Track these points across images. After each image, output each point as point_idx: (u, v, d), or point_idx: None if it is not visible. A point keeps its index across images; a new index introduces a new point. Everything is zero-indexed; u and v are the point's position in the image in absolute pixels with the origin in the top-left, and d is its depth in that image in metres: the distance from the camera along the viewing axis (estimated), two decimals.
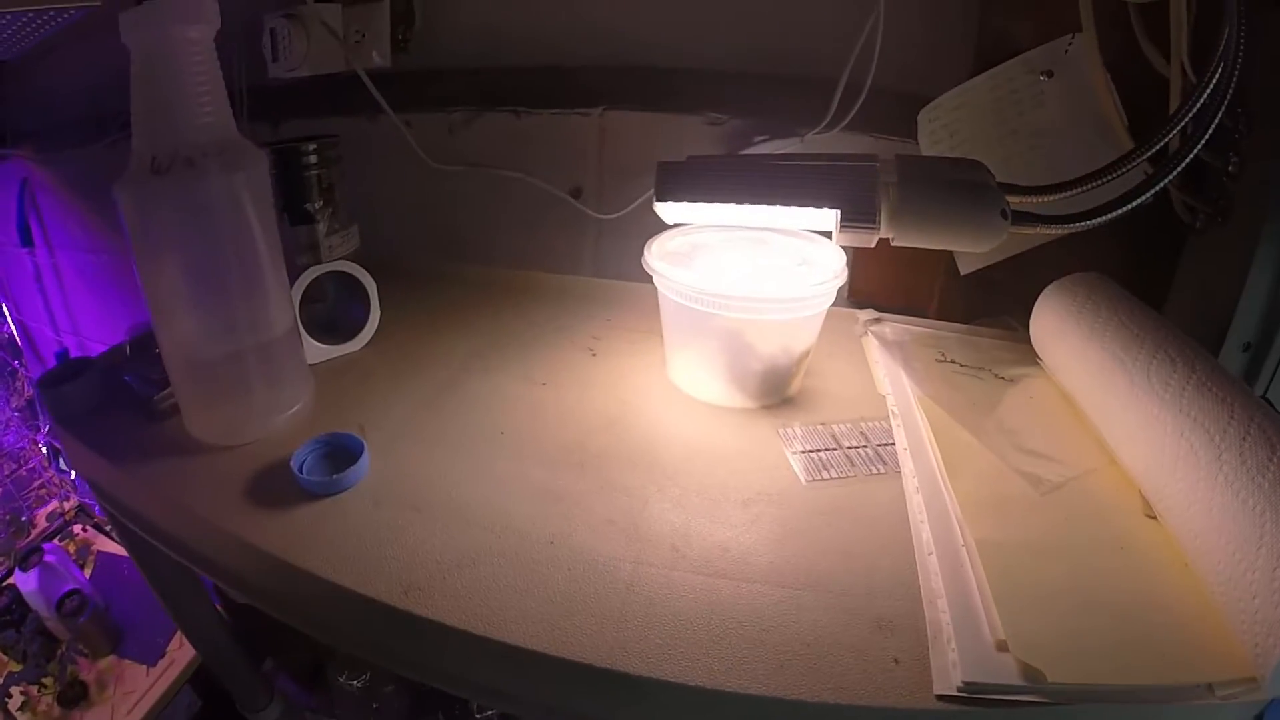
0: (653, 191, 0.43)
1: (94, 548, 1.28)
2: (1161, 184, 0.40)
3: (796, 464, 0.39)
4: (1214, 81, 0.38)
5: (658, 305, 0.45)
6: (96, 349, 1.16)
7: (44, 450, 1.31)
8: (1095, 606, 0.31)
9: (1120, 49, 0.46)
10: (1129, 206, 0.42)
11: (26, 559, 1.10)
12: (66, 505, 1.32)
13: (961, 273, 0.56)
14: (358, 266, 0.49)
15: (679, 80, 0.61)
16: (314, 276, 0.47)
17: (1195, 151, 0.39)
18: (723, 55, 0.60)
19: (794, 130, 0.58)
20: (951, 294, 0.57)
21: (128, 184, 0.35)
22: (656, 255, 0.44)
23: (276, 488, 0.36)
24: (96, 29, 0.79)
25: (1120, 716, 0.29)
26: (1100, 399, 0.40)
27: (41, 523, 1.28)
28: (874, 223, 0.41)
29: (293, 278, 0.43)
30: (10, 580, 1.11)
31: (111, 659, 1.13)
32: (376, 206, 0.61)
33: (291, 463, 0.36)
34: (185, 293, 0.36)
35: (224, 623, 0.61)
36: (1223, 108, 0.38)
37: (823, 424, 0.43)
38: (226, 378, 0.39)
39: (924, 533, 0.35)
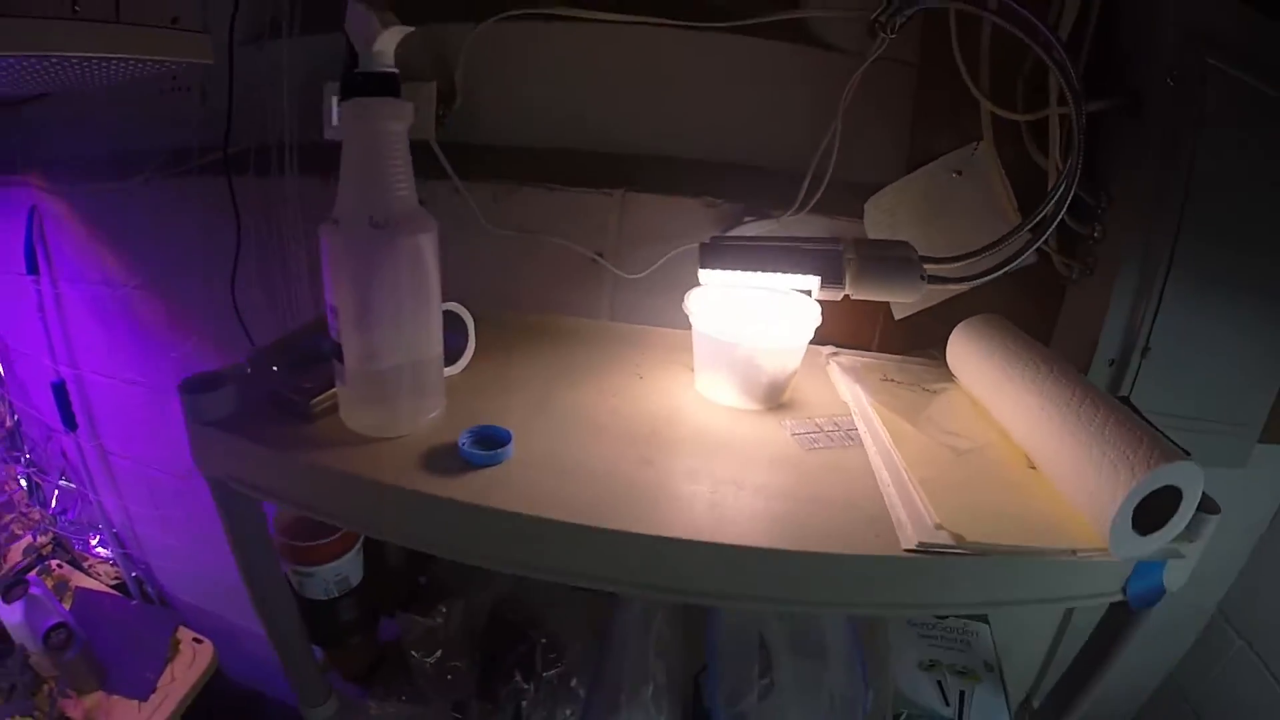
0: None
1: (71, 584, 1.26)
2: (1034, 248, 0.63)
3: (796, 441, 0.57)
4: (1070, 173, 0.60)
5: (673, 343, 0.65)
6: (94, 380, 1.19)
7: (22, 484, 1.29)
8: (998, 510, 0.48)
9: (1012, 153, 0.69)
10: (1008, 267, 0.64)
11: (10, 590, 1.08)
12: (42, 540, 1.30)
13: (896, 318, 0.77)
14: (458, 305, 0.63)
15: (681, 168, 0.80)
16: None
17: (1055, 224, 0.62)
18: (717, 150, 0.80)
19: (770, 213, 0.78)
20: (889, 334, 0.78)
21: (347, 236, 0.47)
22: (693, 303, 0.62)
23: (441, 464, 0.50)
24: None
25: (1017, 567, 0.46)
26: (995, 396, 0.60)
27: (15, 557, 1.26)
28: (841, 285, 0.61)
29: None
30: None
31: (99, 695, 1.13)
32: None
33: (460, 442, 0.50)
34: (375, 317, 0.49)
35: (299, 620, 0.69)
36: (1070, 195, 0.61)
37: (808, 418, 0.61)
38: (393, 383, 0.52)
39: (883, 474, 0.53)
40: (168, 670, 1.16)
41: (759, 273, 0.61)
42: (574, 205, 0.80)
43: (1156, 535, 0.44)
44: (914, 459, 0.54)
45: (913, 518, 0.47)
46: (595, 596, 0.78)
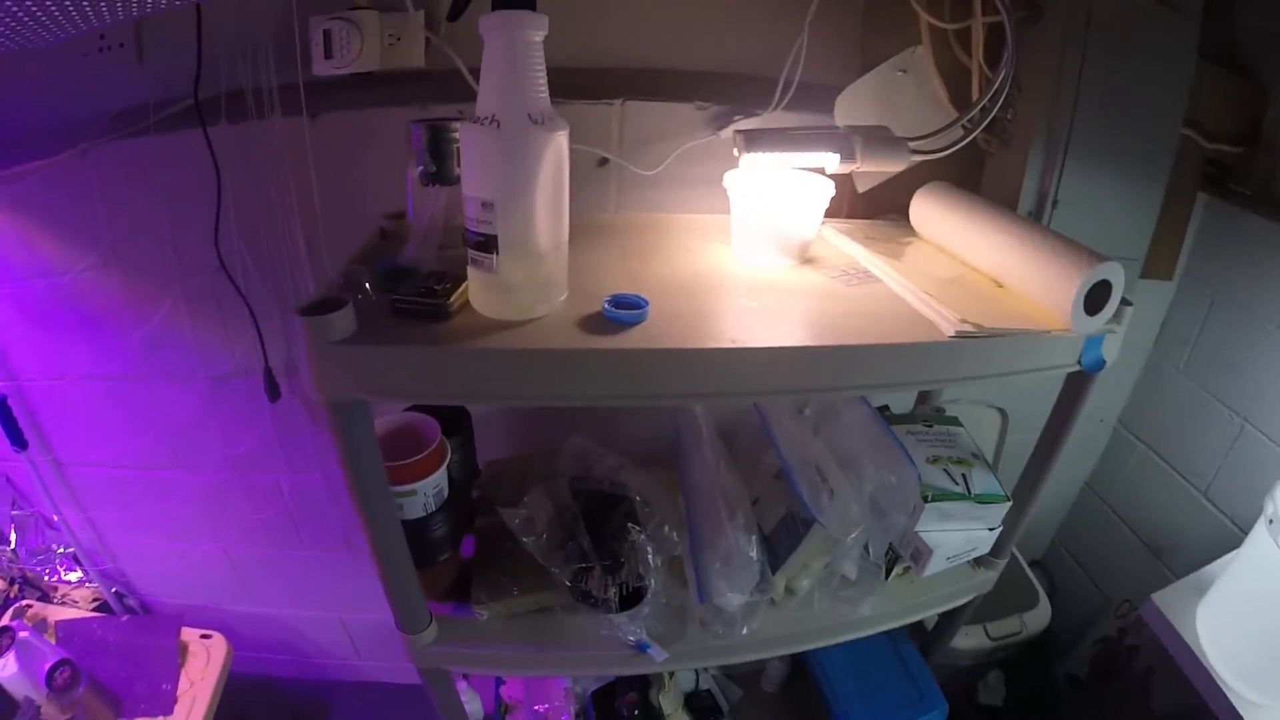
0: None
1: (50, 619, 1.13)
2: (983, 126, 0.81)
3: (836, 281, 0.72)
4: (1002, 76, 0.78)
5: (690, 225, 0.79)
6: (38, 388, 1.06)
7: None
8: (993, 311, 0.64)
9: (944, 55, 0.86)
10: (964, 140, 0.82)
11: None
12: (3, 584, 1.13)
13: (860, 191, 0.94)
14: None
15: (671, 78, 0.90)
16: None
17: (995, 110, 0.80)
18: (702, 61, 0.91)
19: (755, 111, 0.90)
20: (855, 204, 0.95)
21: (511, 132, 0.52)
22: (731, 182, 0.74)
23: (597, 329, 0.57)
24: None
25: (1015, 345, 0.64)
26: (961, 236, 0.77)
27: None
28: (855, 159, 0.76)
29: None
30: None
31: None
32: None
33: (604, 307, 0.58)
34: (533, 202, 0.54)
35: (406, 544, 0.71)
36: (1006, 89, 0.79)
37: (834, 266, 0.76)
38: (543, 264, 0.58)
39: (907, 295, 0.68)
40: (183, 676, 1.09)
41: (792, 152, 0.73)
42: (579, 116, 0.87)
43: (1099, 316, 0.63)
44: (923, 283, 0.70)
45: (942, 318, 0.64)
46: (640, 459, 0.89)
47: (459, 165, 0.63)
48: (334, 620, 1.39)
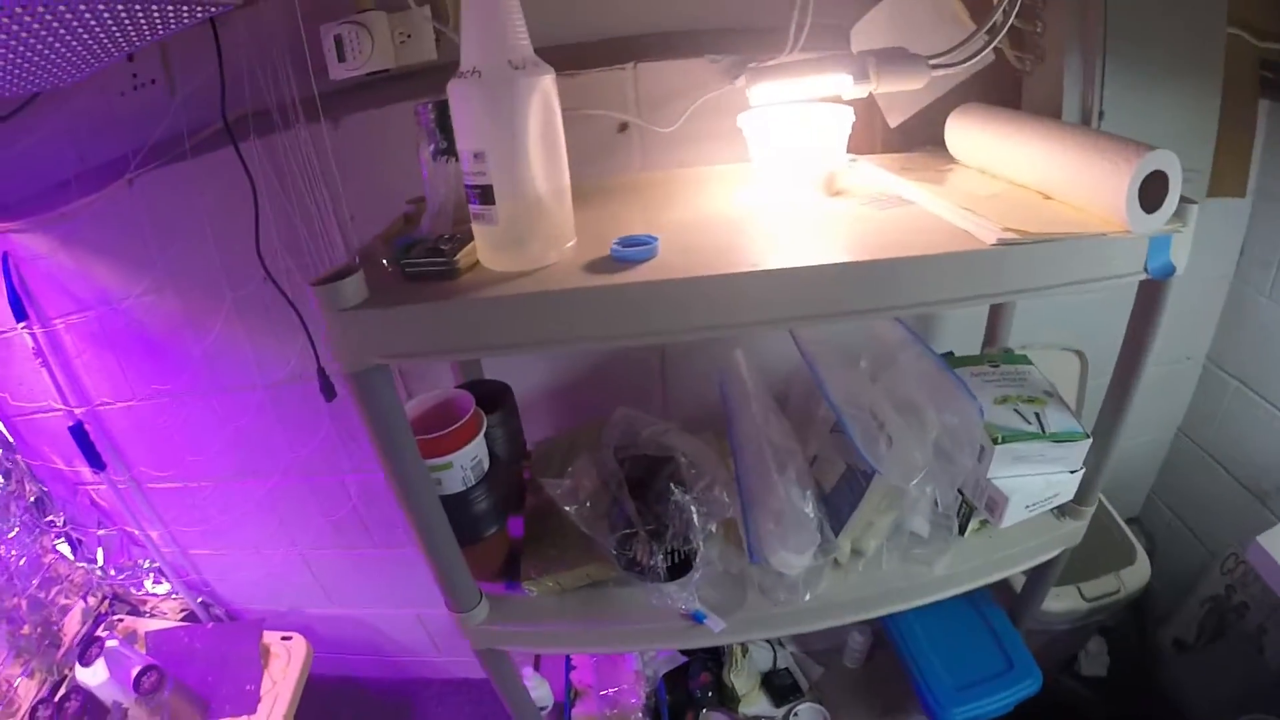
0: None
1: (140, 631, 1.20)
2: (994, 43, 0.75)
3: (867, 207, 0.67)
4: None
5: (715, 175, 0.77)
6: (111, 411, 1.13)
7: (62, 550, 1.20)
8: (1039, 218, 0.59)
9: None
10: (983, 52, 0.76)
11: (86, 652, 1.02)
12: (93, 600, 1.21)
13: (891, 126, 0.89)
14: None
15: (680, 38, 0.88)
16: None
17: (1010, 21, 0.74)
18: (708, 19, 0.88)
19: (769, 58, 0.86)
20: (888, 140, 0.90)
21: (491, 80, 0.51)
22: (746, 121, 0.71)
23: (606, 269, 0.55)
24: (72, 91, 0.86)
25: (1067, 252, 0.58)
26: (1001, 151, 0.71)
27: (74, 624, 1.17)
28: (869, 79, 0.71)
29: None
30: (72, 682, 1.04)
31: None
32: None
33: (611, 249, 0.56)
34: (522, 148, 0.54)
35: (445, 518, 0.71)
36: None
37: (868, 195, 0.71)
38: (541, 211, 0.56)
39: (941, 211, 0.63)
40: (266, 677, 1.13)
41: (802, 78, 0.69)
42: (593, 85, 0.87)
43: (1159, 213, 0.56)
44: (961, 200, 0.64)
45: (980, 228, 0.58)
46: (695, 426, 0.86)
47: None
48: (411, 617, 1.42)
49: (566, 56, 0.85)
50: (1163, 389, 1.21)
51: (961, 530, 0.81)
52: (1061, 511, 0.81)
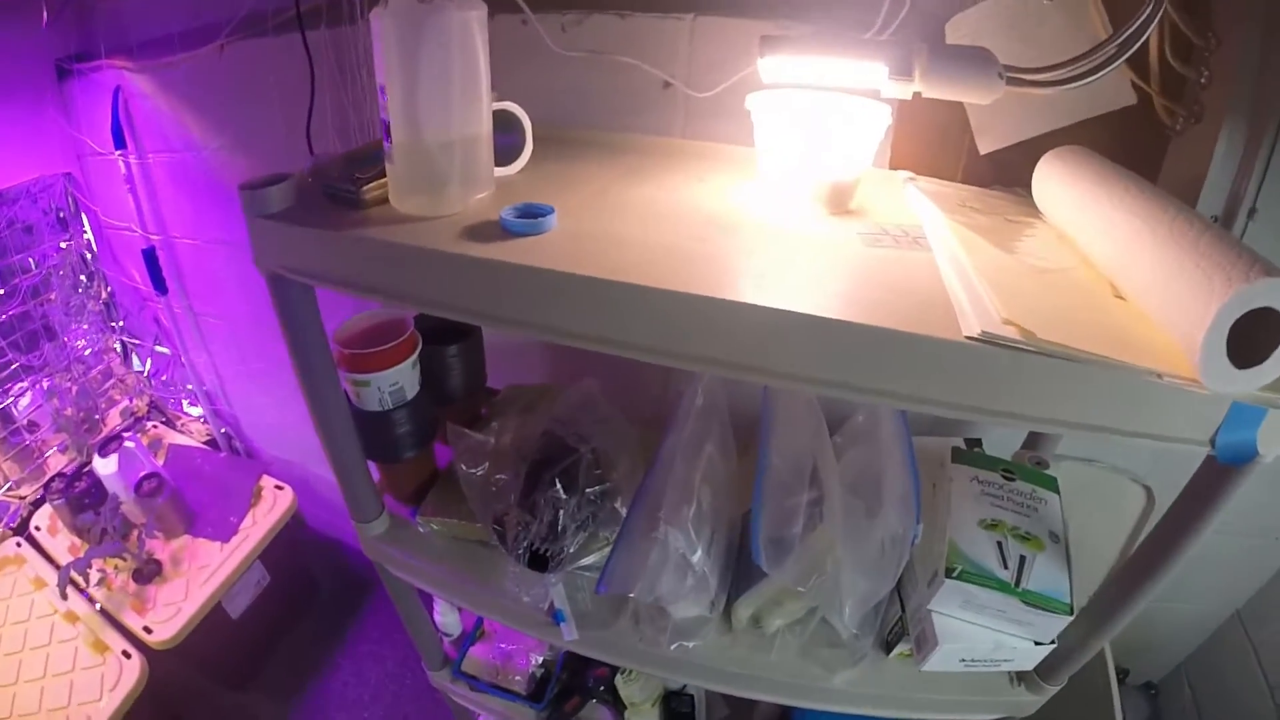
0: (736, 78, 0.62)
1: (166, 441, 1.38)
2: (1118, 63, 0.56)
3: (860, 238, 0.53)
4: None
5: (744, 157, 0.62)
6: (181, 245, 1.27)
7: (118, 350, 1.39)
8: (1076, 318, 0.43)
9: None
10: (1093, 79, 0.57)
11: (106, 446, 1.18)
12: (138, 403, 1.41)
13: (982, 151, 0.71)
14: (514, 104, 0.62)
15: None
16: None
17: (1143, 39, 0.55)
18: None
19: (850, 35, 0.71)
20: (973, 169, 0.72)
21: (395, 11, 0.46)
22: (756, 102, 0.59)
23: (484, 234, 0.50)
24: None
25: (1091, 382, 0.41)
26: (1079, 217, 0.53)
27: (114, 420, 1.37)
28: (910, 77, 0.55)
29: None
30: (89, 466, 1.20)
31: (185, 538, 1.23)
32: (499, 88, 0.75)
33: (500, 214, 0.49)
34: (425, 93, 0.49)
35: (353, 430, 0.72)
36: (1162, 8, 0.53)
37: (875, 224, 0.57)
38: (441, 161, 0.51)
39: (950, 273, 0.48)
40: (250, 514, 1.25)
41: (821, 58, 0.55)
42: (644, 31, 0.77)
43: (1255, 371, 0.37)
44: (986, 265, 0.49)
45: (977, 310, 0.43)
46: (650, 422, 0.78)
47: None
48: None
49: None
50: (1234, 562, 0.95)
51: (888, 648, 0.68)
52: (1019, 677, 0.65)
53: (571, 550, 0.66)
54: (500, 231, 0.50)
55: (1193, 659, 1.09)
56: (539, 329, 0.48)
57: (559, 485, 0.66)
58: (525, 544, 0.66)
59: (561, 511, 0.65)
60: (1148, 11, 0.54)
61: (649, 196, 0.60)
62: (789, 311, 0.42)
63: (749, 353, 0.44)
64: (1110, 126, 0.65)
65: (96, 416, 1.31)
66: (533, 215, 0.50)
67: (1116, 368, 0.40)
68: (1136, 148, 0.67)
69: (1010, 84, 0.56)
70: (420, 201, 0.53)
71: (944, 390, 0.43)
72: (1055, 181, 0.58)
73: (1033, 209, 0.63)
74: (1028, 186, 0.63)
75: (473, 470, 0.70)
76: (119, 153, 1.18)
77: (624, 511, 0.69)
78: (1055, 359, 0.40)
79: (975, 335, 0.41)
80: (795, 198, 0.59)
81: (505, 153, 0.62)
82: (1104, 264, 0.50)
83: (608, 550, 0.67)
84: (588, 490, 0.67)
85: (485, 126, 0.53)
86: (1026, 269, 0.51)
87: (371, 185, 0.56)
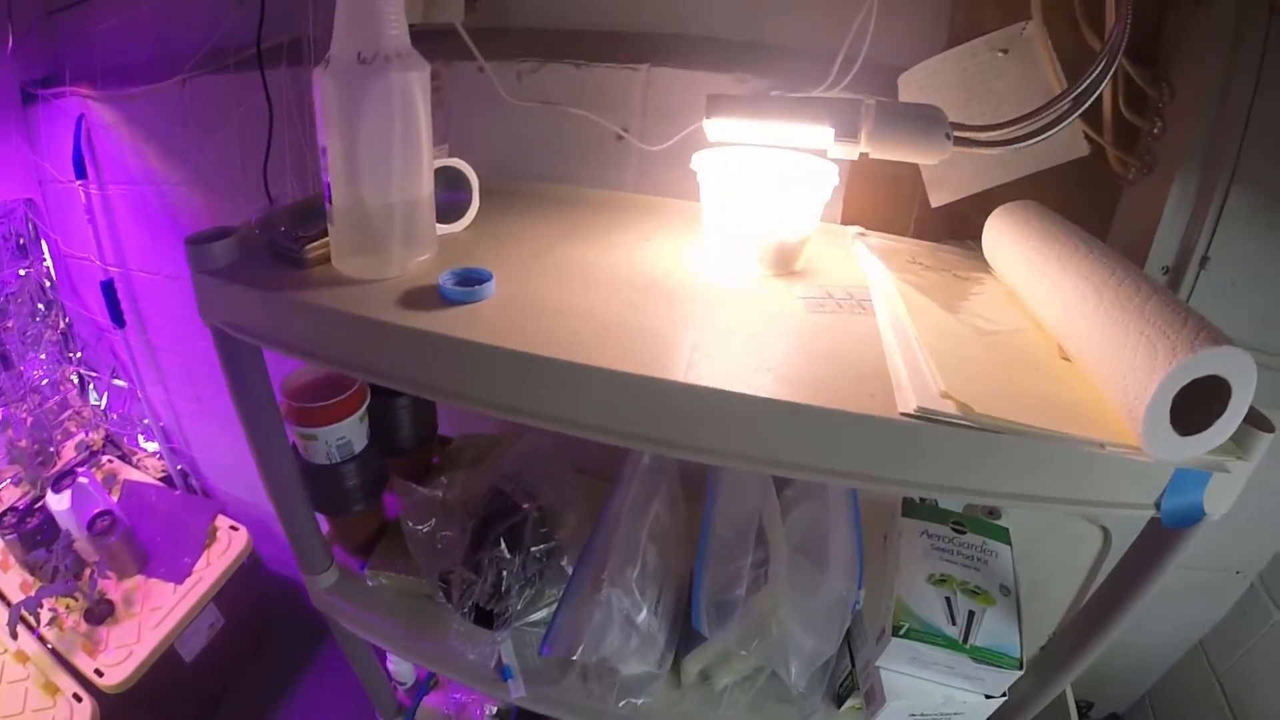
0: (686, 131, 0.60)
1: (121, 477, 1.33)
2: (1071, 119, 0.56)
3: (801, 303, 0.53)
4: (1112, 46, 0.54)
5: (693, 214, 0.60)
6: (140, 278, 1.25)
7: (75, 381, 1.36)
8: (1019, 389, 0.43)
9: (1065, 34, 0.62)
10: (1044, 135, 0.58)
11: (59, 481, 1.14)
12: (94, 436, 1.37)
13: (933, 205, 0.71)
14: (461, 161, 0.61)
15: (707, 46, 0.76)
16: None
17: (1095, 95, 0.55)
18: (744, 29, 0.75)
19: (802, 89, 0.72)
20: (925, 223, 0.72)
21: (335, 71, 0.46)
22: (701, 161, 0.59)
23: (421, 301, 0.49)
24: None
25: (1032, 455, 0.41)
26: (1027, 276, 0.54)
27: (69, 453, 1.33)
28: (856, 138, 0.56)
29: None
30: (42, 502, 1.16)
31: (139, 578, 1.20)
32: (451, 137, 0.74)
33: (439, 280, 0.49)
34: (364, 155, 0.48)
35: (300, 484, 0.70)
36: (1114, 64, 0.54)
37: (820, 286, 0.57)
38: (381, 224, 0.51)
39: (891, 341, 0.48)
40: (204, 555, 1.22)
41: (768, 121, 0.56)
42: (598, 81, 0.77)
43: (1199, 438, 0.38)
44: (929, 331, 0.49)
45: (916, 383, 0.43)
46: (600, 480, 0.77)
47: None
48: None
49: (575, 44, 0.78)
50: (1196, 595, 0.95)
51: (839, 702, 0.67)
52: None
53: (518, 608, 0.65)
54: (438, 299, 0.49)
55: (1157, 690, 1.09)
56: (473, 401, 0.47)
57: (504, 544, 0.65)
58: (471, 602, 0.64)
59: (505, 571, 0.63)
60: (1101, 65, 0.55)
61: (591, 259, 0.59)
62: (720, 390, 0.42)
63: (680, 431, 0.43)
64: (1063, 177, 0.66)
65: (51, 449, 1.27)
66: (471, 282, 0.49)
67: (1057, 439, 0.40)
68: (1090, 197, 0.68)
69: (958, 144, 0.56)
70: (361, 263, 0.53)
71: (883, 467, 0.43)
72: (1005, 240, 0.59)
73: (983, 263, 0.63)
74: (979, 238, 0.64)
75: (418, 527, 0.69)
76: (80, 182, 1.16)
77: (570, 569, 0.67)
78: (984, 431, 0.40)
79: (911, 411, 0.41)
80: (740, 259, 0.59)
81: (452, 209, 0.62)
82: (1051, 325, 0.51)
83: (555, 607, 0.66)
84: (533, 549, 0.66)
85: (426, 189, 0.52)
86: (971, 331, 0.51)
87: (315, 245, 0.55)
